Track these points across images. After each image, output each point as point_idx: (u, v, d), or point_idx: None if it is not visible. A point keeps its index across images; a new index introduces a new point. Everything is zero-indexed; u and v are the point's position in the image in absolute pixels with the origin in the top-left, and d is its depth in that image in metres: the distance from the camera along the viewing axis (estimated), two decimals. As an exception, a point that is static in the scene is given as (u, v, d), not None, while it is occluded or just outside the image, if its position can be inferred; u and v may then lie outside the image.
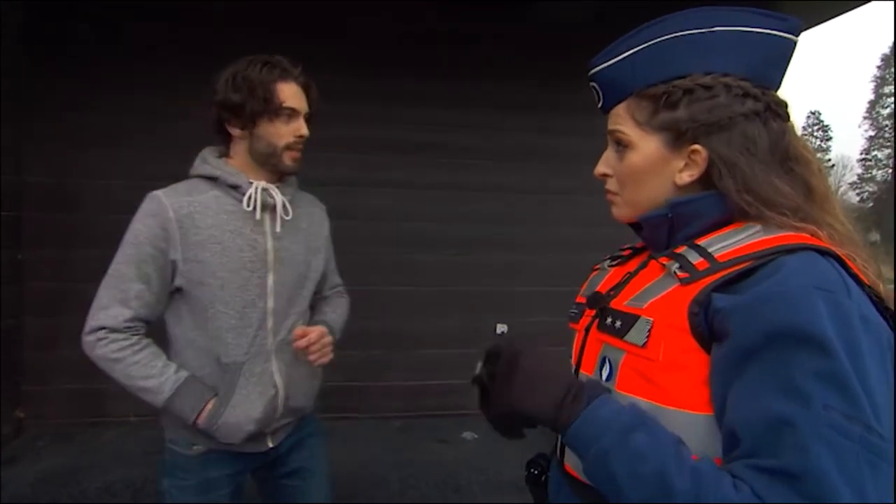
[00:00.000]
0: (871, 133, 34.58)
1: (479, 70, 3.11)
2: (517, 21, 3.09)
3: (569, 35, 2.72)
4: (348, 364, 3.13)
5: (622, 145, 0.67)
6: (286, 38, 2.91)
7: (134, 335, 1.09)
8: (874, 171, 34.11)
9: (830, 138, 37.45)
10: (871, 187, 33.75)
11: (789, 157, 0.62)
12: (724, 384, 0.53)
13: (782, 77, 0.65)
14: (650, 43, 0.62)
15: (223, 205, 1.10)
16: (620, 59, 0.64)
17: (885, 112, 33.57)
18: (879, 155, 33.95)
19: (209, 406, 1.09)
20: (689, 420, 0.55)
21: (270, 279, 1.13)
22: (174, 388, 1.07)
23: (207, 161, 1.14)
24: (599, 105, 0.70)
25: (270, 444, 1.20)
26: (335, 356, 1.21)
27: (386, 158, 3.12)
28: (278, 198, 1.13)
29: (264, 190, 1.12)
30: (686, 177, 0.63)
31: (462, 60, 3.09)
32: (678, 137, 0.63)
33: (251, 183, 1.11)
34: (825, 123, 37.50)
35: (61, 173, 2.82)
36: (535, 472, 0.78)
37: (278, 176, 1.17)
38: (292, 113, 1.12)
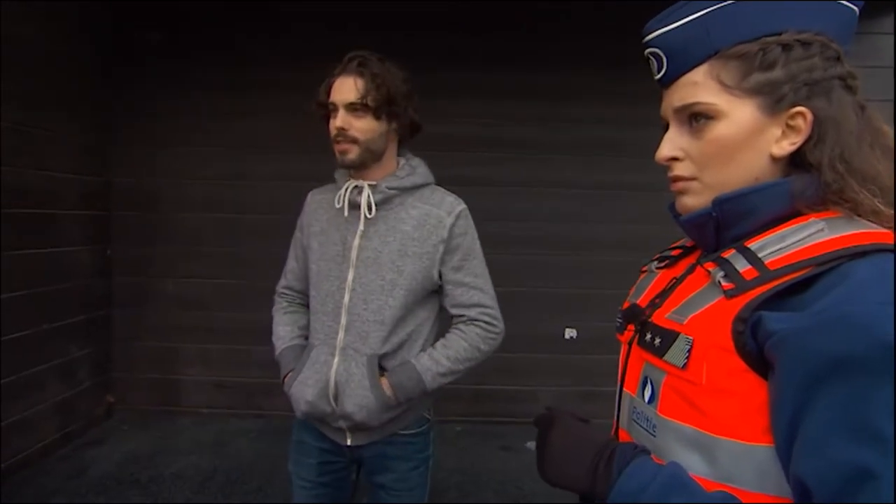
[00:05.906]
0: None
1: (555, 61, 2.96)
2: (595, 10, 2.92)
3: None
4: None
5: (704, 118, 0.57)
6: (377, 35, 2.91)
7: (287, 301, 1.34)
8: None
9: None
10: None
11: (872, 130, 0.56)
12: (786, 423, 0.46)
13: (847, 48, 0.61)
14: (726, 3, 0.55)
15: (333, 202, 1.22)
16: (689, 21, 0.56)
17: None
18: None
19: (289, 375, 1.23)
20: (743, 451, 0.49)
21: (350, 275, 1.17)
22: (280, 350, 1.28)
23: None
24: (660, 75, 0.61)
25: (349, 442, 1.21)
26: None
27: (459, 155, 2.98)
28: (363, 197, 1.17)
29: (355, 188, 1.18)
30: (788, 145, 0.55)
31: (538, 51, 2.96)
32: (777, 101, 0.54)
33: (347, 182, 1.21)
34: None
35: (142, 174, 3.01)
36: None
37: (378, 173, 1.20)
38: (333, 107, 1.16)
